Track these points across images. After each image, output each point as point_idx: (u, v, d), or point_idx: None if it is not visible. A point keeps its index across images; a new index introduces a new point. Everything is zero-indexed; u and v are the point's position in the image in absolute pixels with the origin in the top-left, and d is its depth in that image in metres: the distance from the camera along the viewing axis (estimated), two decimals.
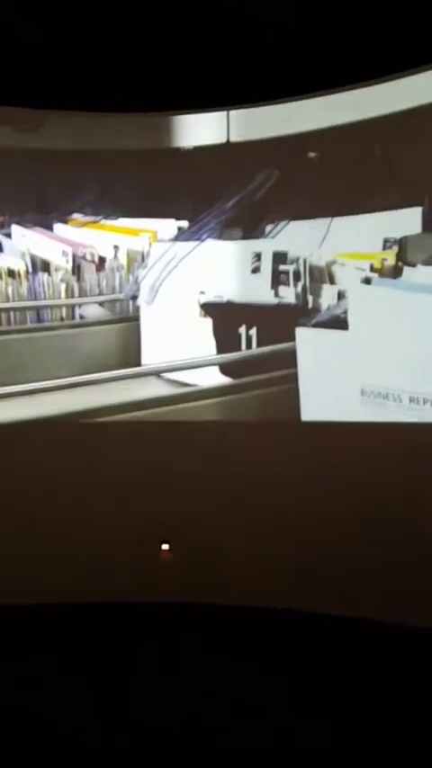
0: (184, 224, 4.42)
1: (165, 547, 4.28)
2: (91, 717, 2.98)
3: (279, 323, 4.19)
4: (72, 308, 4.46)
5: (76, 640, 3.72)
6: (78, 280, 4.45)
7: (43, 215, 4.47)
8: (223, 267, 4.36)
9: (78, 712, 3.01)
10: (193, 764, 2.66)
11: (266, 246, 4.22)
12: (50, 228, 4.48)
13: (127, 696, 3.14)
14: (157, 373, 4.39)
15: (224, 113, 4.34)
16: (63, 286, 4.44)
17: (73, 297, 4.45)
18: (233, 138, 4.36)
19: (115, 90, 4.10)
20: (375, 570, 3.88)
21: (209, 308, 4.36)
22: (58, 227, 4.49)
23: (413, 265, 3.83)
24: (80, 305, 4.46)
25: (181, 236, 4.41)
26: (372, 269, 3.97)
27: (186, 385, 4.37)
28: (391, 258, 3.92)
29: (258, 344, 4.27)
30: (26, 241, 4.44)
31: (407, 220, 3.87)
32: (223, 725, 2.90)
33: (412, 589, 3.73)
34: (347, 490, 3.96)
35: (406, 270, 3.83)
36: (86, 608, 4.02)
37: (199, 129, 4.39)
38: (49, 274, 4.44)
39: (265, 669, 3.42)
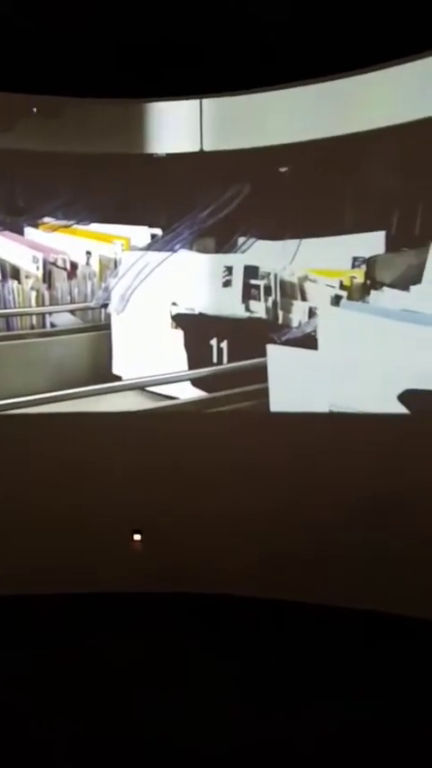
0: (158, 231, 4.41)
1: (136, 537, 4.30)
2: (76, 710, 2.97)
3: (250, 337, 4.24)
4: (42, 315, 4.44)
5: (58, 632, 3.73)
6: (49, 287, 4.42)
7: (13, 218, 4.41)
8: (195, 279, 4.37)
9: (63, 706, 3.00)
10: (188, 763, 2.62)
11: (238, 260, 4.25)
12: (21, 232, 4.44)
13: (116, 689, 3.13)
14: (130, 388, 4.42)
15: (198, 121, 4.32)
16: (33, 294, 4.42)
17: (44, 305, 4.42)
18: (206, 148, 4.35)
19: (105, 80, 4.09)
20: (373, 561, 3.88)
21: (180, 320, 4.38)
22: (28, 230, 4.44)
23: (380, 286, 3.90)
24: (51, 313, 4.45)
25: (154, 244, 4.41)
26: (341, 286, 4.03)
27: (160, 396, 4.41)
28: (359, 277, 3.99)
29: (229, 358, 4.32)
30: None
31: (375, 240, 3.94)
32: (220, 720, 2.88)
33: (411, 580, 3.74)
34: (340, 482, 3.99)
35: (373, 292, 3.90)
36: (71, 599, 4.05)
37: (172, 136, 4.37)
38: (19, 282, 4.41)
39: (262, 661, 3.43)
